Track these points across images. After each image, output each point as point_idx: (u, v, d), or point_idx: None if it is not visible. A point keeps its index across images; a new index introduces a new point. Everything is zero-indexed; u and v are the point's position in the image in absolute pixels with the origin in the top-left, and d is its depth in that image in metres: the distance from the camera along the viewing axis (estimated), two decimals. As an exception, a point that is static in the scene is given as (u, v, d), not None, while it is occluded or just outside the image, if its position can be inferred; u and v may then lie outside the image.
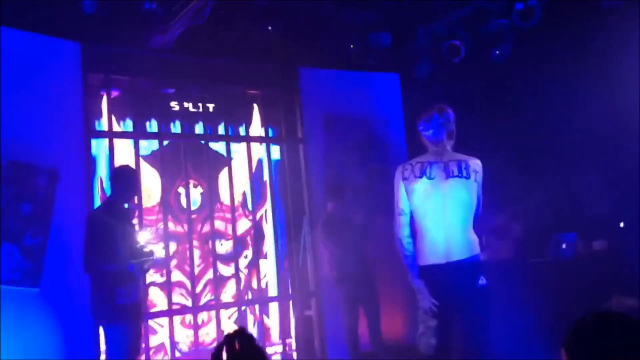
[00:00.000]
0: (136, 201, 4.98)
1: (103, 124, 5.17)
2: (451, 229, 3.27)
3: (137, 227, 4.58)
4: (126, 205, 4.33)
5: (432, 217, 3.29)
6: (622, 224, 5.62)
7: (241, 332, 1.47)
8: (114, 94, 5.26)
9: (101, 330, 4.29)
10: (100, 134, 5.10)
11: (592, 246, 5.43)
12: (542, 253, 5.48)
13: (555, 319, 4.63)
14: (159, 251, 5.20)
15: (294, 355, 5.84)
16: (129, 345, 4.10)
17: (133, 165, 5.04)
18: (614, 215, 5.64)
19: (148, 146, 5.44)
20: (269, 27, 5.62)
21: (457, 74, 6.67)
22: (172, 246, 5.44)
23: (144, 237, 4.33)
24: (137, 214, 5.00)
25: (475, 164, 3.38)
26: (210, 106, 5.76)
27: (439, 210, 3.28)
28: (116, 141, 5.16)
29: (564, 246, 5.27)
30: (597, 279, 5.06)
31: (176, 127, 5.56)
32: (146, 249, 4.20)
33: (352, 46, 6.14)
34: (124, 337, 4.10)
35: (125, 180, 4.23)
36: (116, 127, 5.25)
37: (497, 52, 6.18)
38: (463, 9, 6.19)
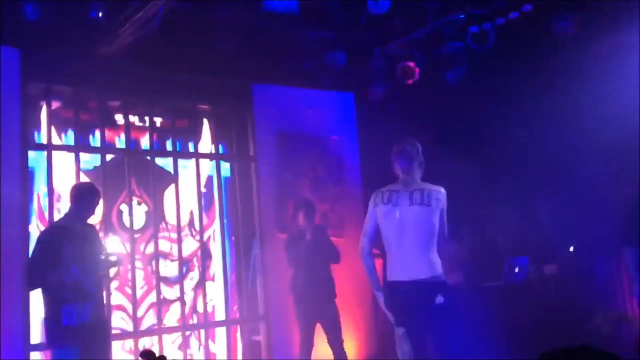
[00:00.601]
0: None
1: (42, 136, 4.88)
2: (412, 250, 3.56)
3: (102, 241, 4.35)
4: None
5: (394, 239, 3.61)
6: (571, 249, 5.66)
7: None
8: (55, 104, 4.98)
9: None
10: (39, 147, 4.80)
11: (544, 270, 5.43)
12: (496, 277, 5.45)
13: (507, 341, 4.61)
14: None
15: (241, 382, 5.60)
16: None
17: (72, 180, 4.80)
18: (564, 239, 5.68)
19: (90, 160, 5.15)
20: (224, 42, 5.47)
21: (412, 95, 6.66)
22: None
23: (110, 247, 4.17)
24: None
25: (439, 192, 3.67)
26: (158, 120, 5.53)
27: (401, 234, 3.60)
28: (56, 154, 4.87)
29: (516, 270, 5.26)
30: (548, 302, 5.06)
31: (121, 142, 5.29)
32: (111, 258, 4.09)
33: (305, 65, 6.05)
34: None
35: (88, 199, 4.06)
36: (56, 140, 4.96)
37: (451, 74, 6.19)
38: (418, 31, 6.19)
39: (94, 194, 4.11)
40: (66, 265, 3.84)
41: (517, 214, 5.90)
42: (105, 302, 4.33)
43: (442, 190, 3.69)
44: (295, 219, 5.28)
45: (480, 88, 6.26)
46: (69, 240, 3.90)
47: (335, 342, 5.03)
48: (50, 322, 3.89)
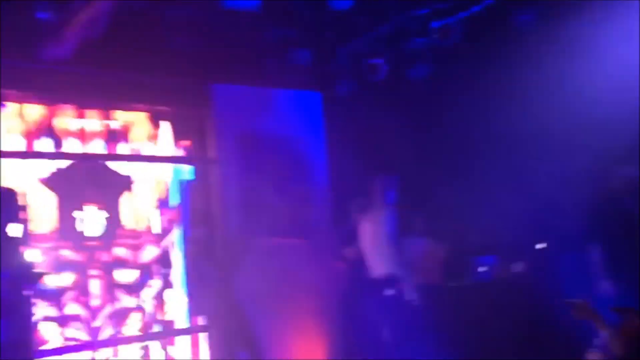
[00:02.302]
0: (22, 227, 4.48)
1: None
2: None
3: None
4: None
5: None
6: (540, 246, 5.56)
7: None
8: (2, 109, 4.78)
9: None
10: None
11: (511, 269, 5.34)
12: (463, 276, 5.35)
13: (473, 341, 4.52)
14: (53, 281, 4.75)
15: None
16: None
17: (25, 187, 4.63)
18: (533, 237, 5.59)
19: (43, 167, 4.97)
20: (181, 41, 5.31)
21: (379, 93, 6.54)
22: (70, 276, 4.97)
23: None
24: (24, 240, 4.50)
25: None
26: (113, 123, 5.36)
27: None
28: (5, 161, 4.68)
29: (483, 269, 5.16)
30: (516, 301, 4.98)
31: (74, 147, 5.11)
32: (35, 271, 3.84)
33: (268, 63, 5.90)
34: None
35: (4, 204, 3.81)
36: (4, 146, 4.77)
37: (417, 70, 6.08)
38: (384, 27, 6.08)
39: (11, 198, 3.83)
40: None
41: (487, 212, 5.80)
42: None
43: None
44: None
45: (446, 83, 6.16)
46: None
47: None
48: None
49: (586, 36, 4.91)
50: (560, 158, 5.56)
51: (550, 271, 4.85)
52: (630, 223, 4.26)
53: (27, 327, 3.90)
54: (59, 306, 4.80)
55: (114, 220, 5.19)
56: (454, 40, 5.61)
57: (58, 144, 5.01)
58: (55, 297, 4.78)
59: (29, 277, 3.78)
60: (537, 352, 4.37)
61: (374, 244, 4.51)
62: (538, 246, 5.51)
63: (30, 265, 3.85)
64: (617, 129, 4.76)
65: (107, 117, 5.26)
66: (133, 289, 5.21)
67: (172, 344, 5.40)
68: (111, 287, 5.09)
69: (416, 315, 4.25)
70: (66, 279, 4.92)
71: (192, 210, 5.65)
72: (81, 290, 4.99)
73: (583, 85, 4.96)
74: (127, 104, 5.37)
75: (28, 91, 4.89)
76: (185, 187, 5.67)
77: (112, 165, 5.28)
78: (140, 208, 5.29)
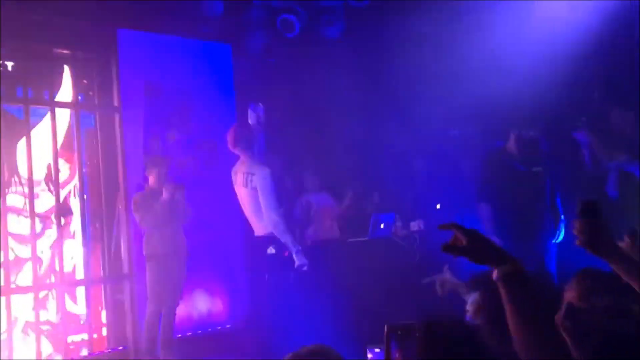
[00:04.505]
0: None
1: None
2: None
3: None
4: None
5: None
6: (438, 206, 5.83)
7: None
8: None
9: None
10: None
11: (410, 227, 5.57)
12: (363, 233, 5.53)
13: (368, 294, 4.71)
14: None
15: (105, 343, 5.36)
16: None
17: None
18: (433, 197, 5.84)
19: None
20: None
21: (291, 49, 6.52)
22: (-44, 224, 4.71)
23: None
24: None
25: None
26: (9, 64, 5.03)
27: None
28: None
29: (382, 226, 5.36)
30: (412, 257, 5.22)
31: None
32: None
33: (178, 11, 5.72)
34: None
35: None
36: None
37: (330, 29, 6.12)
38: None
39: None
40: None
41: (392, 170, 5.98)
42: None
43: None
44: (146, 178, 5.14)
45: (358, 43, 6.22)
46: None
47: (172, 303, 5.01)
48: None
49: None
50: (460, 121, 5.80)
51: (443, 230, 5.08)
52: (518, 182, 4.53)
53: None
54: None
55: (8, 167, 4.94)
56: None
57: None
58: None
59: None
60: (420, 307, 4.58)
61: (249, 204, 4.52)
62: (437, 206, 5.76)
63: None
64: (518, 96, 4.98)
65: (2, 57, 4.93)
66: (28, 238, 5.00)
67: (70, 295, 5.26)
68: (4, 236, 4.86)
69: (303, 275, 4.34)
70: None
71: (93, 158, 5.46)
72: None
73: (490, 50, 5.15)
74: (27, 44, 5.04)
75: None
76: (86, 135, 5.46)
77: (9, 109, 4.99)
78: (37, 155, 5.04)
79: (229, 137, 4.64)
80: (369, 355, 2.84)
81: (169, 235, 4.99)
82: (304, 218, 5.50)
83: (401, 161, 5.88)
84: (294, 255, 4.25)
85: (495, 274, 1.57)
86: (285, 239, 4.30)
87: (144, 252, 5.02)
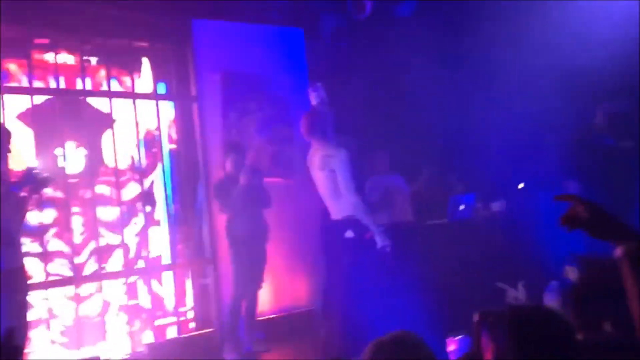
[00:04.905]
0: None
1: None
2: None
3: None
4: None
5: None
6: (520, 185, 5.62)
7: None
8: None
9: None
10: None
11: (490, 207, 5.40)
12: (441, 215, 5.41)
13: (449, 279, 4.61)
14: (35, 218, 4.75)
15: (191, 325, 5.55)
16: (1, 320, 3.72)
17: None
18: (513, 176, 5.64)
19: (20, 103, 4.88)
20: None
21: (363, 31, 6.44)
22: (51, 213, 4.97)
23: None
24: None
25: None
26: (93, 60, 5.25)
27: None
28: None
29: (461, 207, 5.21)
30: (494, 240, 5.05)
31: (52, 82, 5.01)
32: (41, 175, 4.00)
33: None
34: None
35: None
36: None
37: (402, 7, 5.98)
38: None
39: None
40: None
41: (467, 151, 5.83)
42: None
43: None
44: (223, 164, 5.21)
45: (431, 21, 6.06)
46: None
47: (254, 287, 5.10)
48: None
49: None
50: (542, 97, 5.55)
51: (529, 210, 4.90)
52: (608, 158, 4.30)
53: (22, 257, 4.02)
54: (42, 243, 4.81)
55: (95, 158, 5.16)
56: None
57: (34, 79, 4.91)
58: (37, 233, 4.78)
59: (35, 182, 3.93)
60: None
61: (327, 187, 4.48)
62: (519, 186, 5.56)
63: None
64: (599, 70, 4.74)
65: (86, 52, 5.14)
66: (116, 225, 5.23)
67: (157, 279, 5.47)
68: (94, 224, 5.10)
69: (384, 258, 4.27)
70: (48, 215, 4.92)
71: (174, 147, 5.63)
72: (63, 227, 5.00)
73: (568, 27, 4.90)
74: (107, 39, 5.23)
75: (3, 25, 4.74)
76: (166, 124, 5.62)
77: (92, 101, 5.21)
78: (121, 145, 5.25)
79: (302, 128, 4.61)
80: (451, 347, 2.74)
81: (249, 219, 5.06)
82: (378, 200, 5.43)
83: (480, 139, 5.69)
84: (376, 237, 4.20)
85: (618, 251, 1.43)
86: (367, 220, 4.24)
87: (226, 238, 5.12)
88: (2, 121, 4.47)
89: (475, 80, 5.77)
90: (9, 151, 4.04)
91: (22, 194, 3.99)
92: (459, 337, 2.63)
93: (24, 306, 3.97)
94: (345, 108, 5.69)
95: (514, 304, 2.29)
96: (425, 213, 5.55)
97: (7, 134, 4.02)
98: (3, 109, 4.65)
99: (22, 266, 4.01)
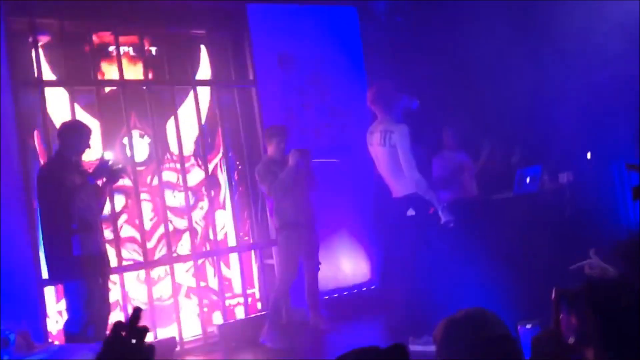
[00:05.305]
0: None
1: (32, 73, 4.78)
2: None
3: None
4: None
5: None
6: (589, 155, 5.42)
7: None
8: (43, 39, 4.84)
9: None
10: (30, 83, 4.72)
11: (558, 179, 5.23)
12: (508, 189, 5.28)
13: (517, 253, 4.51)
14: (107, 206, 4.93)
15: (258, 305, 5.67)
16: (85, 302, 3.93)
17: (69, 116, 4.76)
18: (581, 147, 5.44)
19: (85, 95, 5.06)
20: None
21: (418, 5, 6.31)
22: (120, 200, 5.16)
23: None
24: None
25: None
26: (152, 49, 5.37)
27: None
28: (49, 91, 4.80)
29: (528, 180, 5.07)
30: (562, 212, 4.91)
31: (115, 73, 5.16)
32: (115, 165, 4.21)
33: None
34: (80, 293, 3.93)
35: (76, 135, 4.11)
36: (48, 75, 4.86)
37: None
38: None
39: (79, 131, 4.10)
40: (70, 196, 3.88)
41: (536, 120, 5.64)
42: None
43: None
44: (266, 148, 5.17)
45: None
46: (67, 173, 3.95)
47: (312, 268, 5.06)
48: (59, 255, 3.95)
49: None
50: (609, 65, 5.31)
51: (600, 181, 4.72)
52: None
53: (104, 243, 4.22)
54: (114, 229, 5.00)
55: (160, 145, 5.30)
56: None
57: (98, 71, 5.07)
58: (110, 220, 4.96)
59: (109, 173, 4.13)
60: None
61: (388, 164, 4.34)
62: (588, 155, 5.34)
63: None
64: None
65: (145, 43, 5.27)
66: (183, 210, 5.37)
67: (225, 261, 5.59)
68: (162, 210, 5.25)
69: (447, 235, 4.18)
70: (118, 203, 5.10)
71: (235, 132, 5.71)
72: (133, 214, 5.18)
73: None
74: (165, 29, 5.34)
75: (65, 19, 4.91)
76: (227, 110, 5.70)
77: (154, 90, 5.33)
78: (184, 132, 5.37)
79: (369, 94, 4.49)
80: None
81: (297, 203, 4.94)
82: (446, 176, 5.34)
83: (547, 109, 5.48)
84: (440, 212, 4.11)
85: None
86: (430, 195, 4.15)
87: (275, 223, 5.09)
88: (76, 118, 4.68)
89: (543, 47, 5.54)
90: (89, 147, 4.22)
91: (98, 182, 4.16)
92: (530, 325, 2.51)
93: (105, 289, 4.17)
94: (407, 85, 5.60)
95: (591, 277, 2.20)
96: (491, 187, 5.43)
97: (88, 131, 4.19)
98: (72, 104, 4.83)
99: (105, 252, 4.21)
